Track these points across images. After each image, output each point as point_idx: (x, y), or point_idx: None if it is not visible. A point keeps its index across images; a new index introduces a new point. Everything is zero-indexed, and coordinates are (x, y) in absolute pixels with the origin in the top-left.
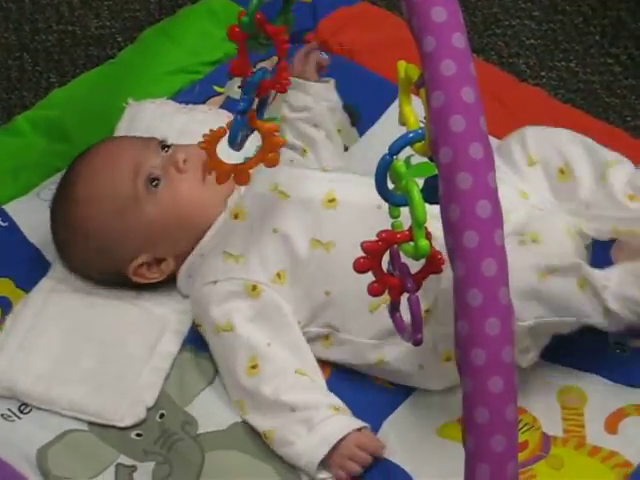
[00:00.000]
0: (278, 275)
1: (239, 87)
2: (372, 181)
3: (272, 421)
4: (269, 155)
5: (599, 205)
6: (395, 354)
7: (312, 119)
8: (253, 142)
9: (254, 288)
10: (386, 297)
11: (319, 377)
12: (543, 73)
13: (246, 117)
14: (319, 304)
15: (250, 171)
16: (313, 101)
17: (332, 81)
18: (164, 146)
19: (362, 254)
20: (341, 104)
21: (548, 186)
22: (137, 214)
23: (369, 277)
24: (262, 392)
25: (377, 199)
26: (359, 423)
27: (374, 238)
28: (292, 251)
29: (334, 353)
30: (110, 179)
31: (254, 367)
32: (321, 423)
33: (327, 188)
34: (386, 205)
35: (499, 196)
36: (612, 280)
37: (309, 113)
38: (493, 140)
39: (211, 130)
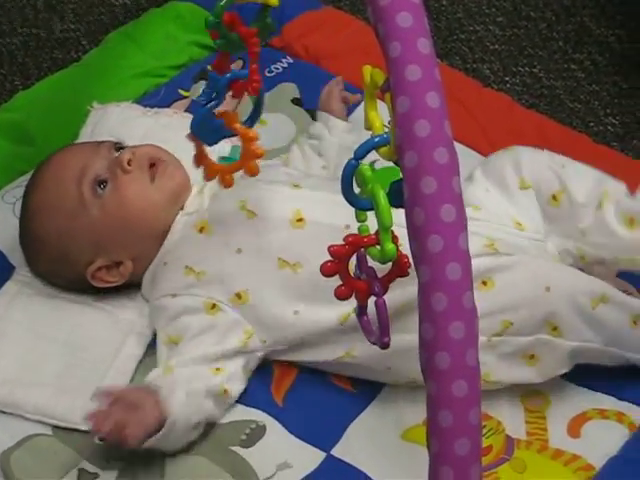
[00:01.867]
0: (238, 295)
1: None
2: (341, 199)
3: None
4: (249, 164)
5: (594, 233)
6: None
7: (318, 147)
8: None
9: (213, 306)
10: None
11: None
12: (507, 78)
13: (206, 109)
14: (288, 323)
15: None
16: (328, 134)
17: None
18: (119, 148)
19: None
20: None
21: (540, 210)
22: (84, 219)
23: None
24: None
25: (346, 219)
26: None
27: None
28: (257, 272)
29: (303, 356)
30: (58, 186)
31: None
32: None
33: (295, 207)
34: (355, 225)
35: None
36: None
37: (319, 142)
38: (464, 149)
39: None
